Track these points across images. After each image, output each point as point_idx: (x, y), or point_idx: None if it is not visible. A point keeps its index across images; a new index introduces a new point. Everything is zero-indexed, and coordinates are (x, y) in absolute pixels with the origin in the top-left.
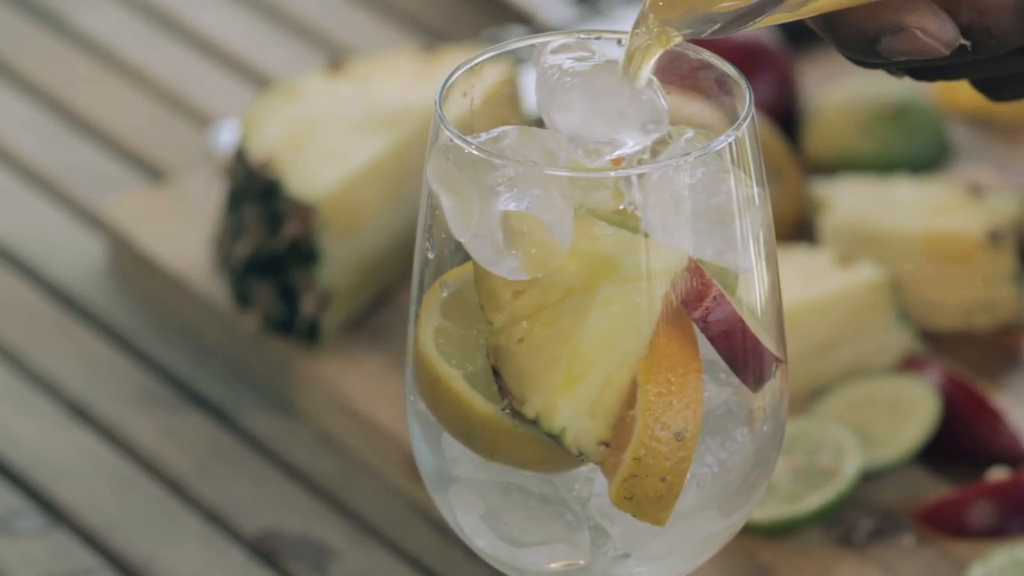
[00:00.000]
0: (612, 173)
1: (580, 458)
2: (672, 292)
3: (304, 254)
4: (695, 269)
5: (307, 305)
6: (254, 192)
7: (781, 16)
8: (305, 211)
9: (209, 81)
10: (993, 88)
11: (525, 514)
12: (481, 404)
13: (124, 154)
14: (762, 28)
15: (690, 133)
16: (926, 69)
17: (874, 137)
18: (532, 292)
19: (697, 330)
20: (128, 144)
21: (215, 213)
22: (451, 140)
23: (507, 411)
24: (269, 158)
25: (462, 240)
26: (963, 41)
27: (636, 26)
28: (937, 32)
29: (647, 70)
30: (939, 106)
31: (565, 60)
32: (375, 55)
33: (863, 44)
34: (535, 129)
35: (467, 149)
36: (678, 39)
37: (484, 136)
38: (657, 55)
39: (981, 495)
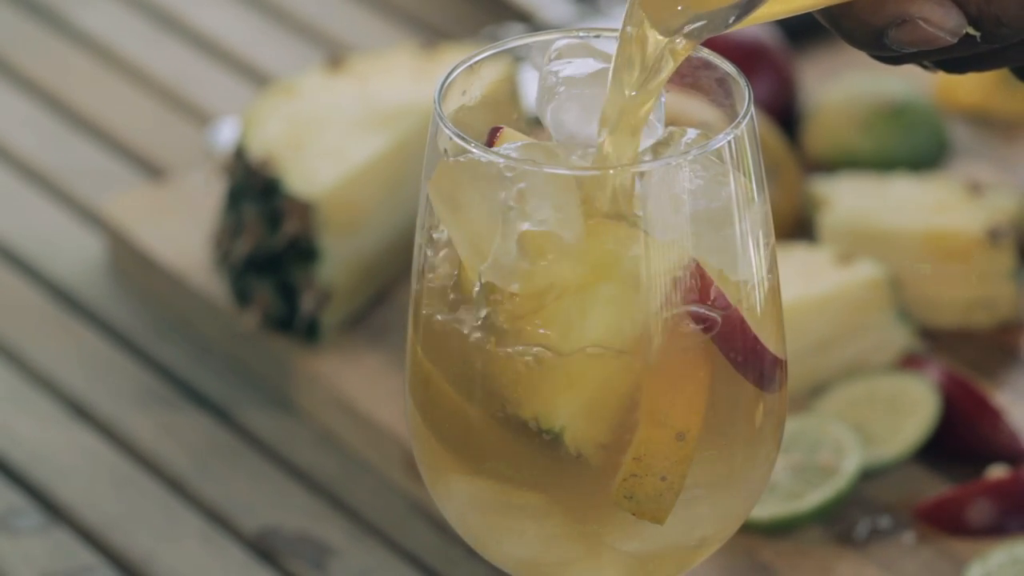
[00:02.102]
0: (612, 171)
1: (577, 459)
2: (673, 291)
3: (303, 252)
4: (695, 268)
5: (306, 303)
6: (254, 190)
7: (776, 9)
8: (304, 209)
9: (209, 79)
10: None
11: (520, 517)
12: (477, 406)
13: (124, 152)
14: (762, 26)
15: (692, 134)
16: (956, 61)
17: (873, 135)
18: (531, 292)
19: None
20: (128, 142)
21: (215, 211)
22: (454, 152)
23: (501, 414)
24: (269, 156)
25: (480, 268)
26: (972, 31)
27: (628, 40)
28: (940, 21)
29: (659, 88)
30: (938, 104)
31: (566, 65)
32: (375, 53)
33: (871, 37)
34: (536, 142)
35: (466, 148)
36: (684, 45)
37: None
38: (672, 71)
39: (980, 493)
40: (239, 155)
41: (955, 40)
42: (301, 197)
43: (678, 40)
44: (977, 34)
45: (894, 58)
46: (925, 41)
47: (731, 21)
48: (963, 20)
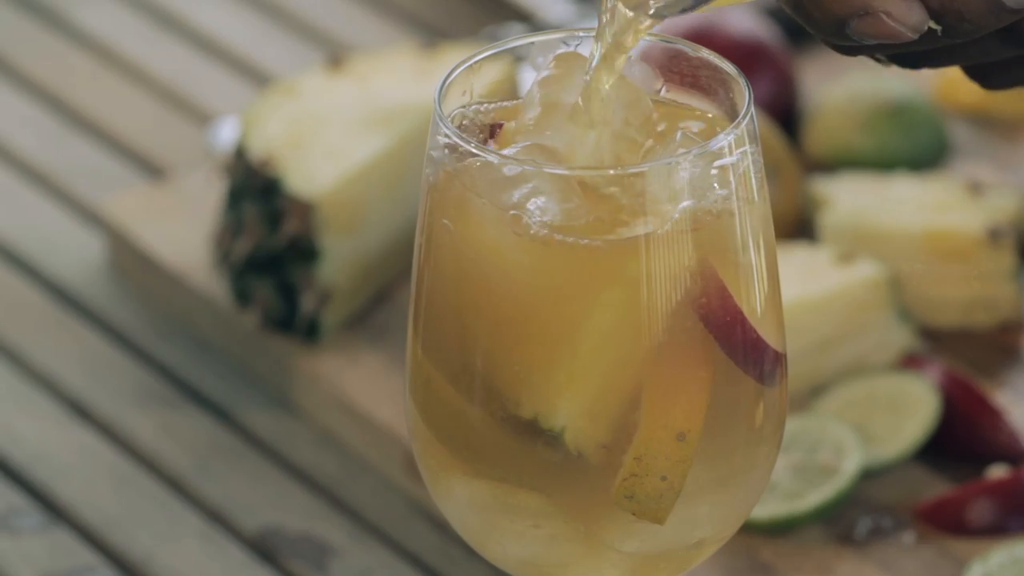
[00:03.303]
0: (612, 171)
1: (577, 459)
2: (674, 290)
3: (304, 252)
4: (696, 266)
5: (307, 303)
6: (254, 190)
7: None
8: (305, 209)
9: (209, 79)
10: (983, 75)
11: (520, 517)
12: (477, 406)
13: (124, 151)
14: (762, 26)
15: (683, 131)
16: (910, 56)
17: (874, 134)
18: (531, 291)
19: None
20: (128, 141)
21: (215, 211)
22: (455, 158)
23: (501, 413)
24: (269, 156)
25: None
26: (934, 26)
27: (604, 20)
28: (902, 16)
29: (622, 62)
30: (939, 103)
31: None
32: (375, 53)
33: (833, 27)
34: (536, 142)
35: (466, 147)
36: (647, 23)
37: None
38: (632, 48)
39: (981, 493)
40: (239, 155)
41: (916, 35)
42: (301, 197)
43: (643, 18)
44: (939, 28)
45: (851, 48)
46: (885, 35)
47: (696, 1)
48: (926, 17)
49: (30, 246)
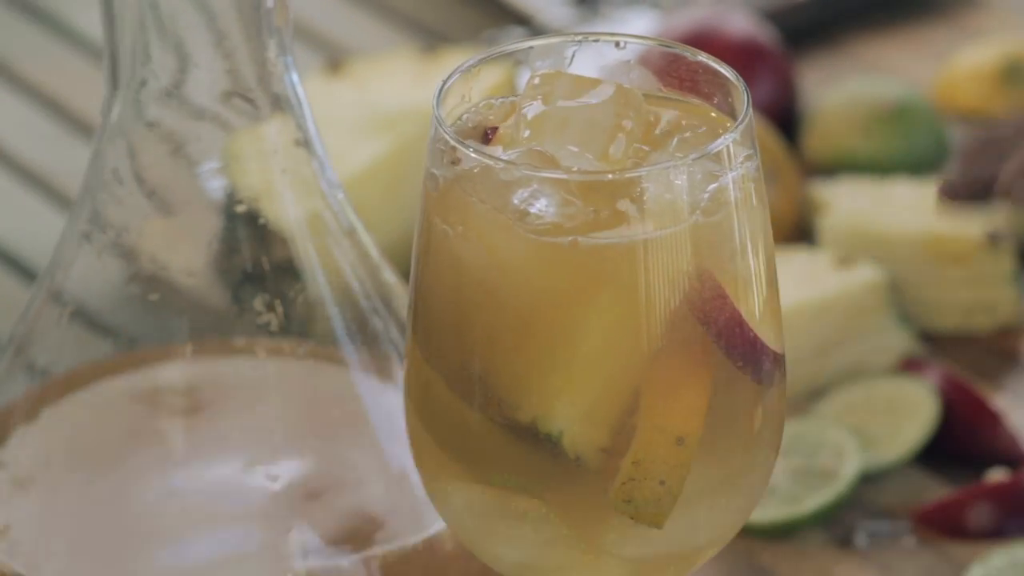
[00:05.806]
0: (611, 175)
1: (575, 463)
2: (673, 293)
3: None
4: (695, 270)
5: (302, 312)
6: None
7: None
8: None
9: None
10: None
11: (518, 521)
12: (475, 410)
13: None
14: (760, 29)
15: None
16: None
17: (873, 138)
18: (530, 295)
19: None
20: None
21: (213, 216)
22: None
23: (500, 417)
24: None
25: None
26: None
27: None
28: None
29: None
30: (938, 106)
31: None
32: (374, 57)
33: None
34: (533, 148)
35: (464, 151)
36: None
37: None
38: None
39: (980, 496)
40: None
41: None
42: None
43: None
44: None
45: None
46: None
47: None
48: None
49: (29, 249)
